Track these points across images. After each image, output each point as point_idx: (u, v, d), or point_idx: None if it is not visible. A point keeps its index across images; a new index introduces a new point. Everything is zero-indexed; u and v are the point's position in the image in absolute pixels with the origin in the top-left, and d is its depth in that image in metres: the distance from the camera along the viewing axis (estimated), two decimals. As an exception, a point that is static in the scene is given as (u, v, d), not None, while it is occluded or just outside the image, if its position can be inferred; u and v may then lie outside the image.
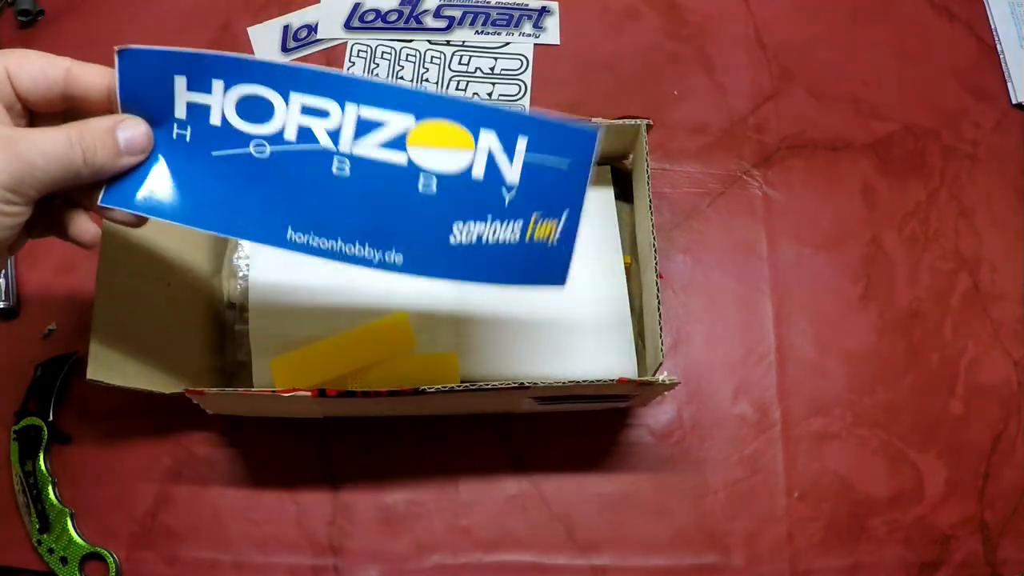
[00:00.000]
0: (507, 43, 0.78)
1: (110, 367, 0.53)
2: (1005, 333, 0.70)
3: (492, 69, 0.77)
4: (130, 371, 0.55)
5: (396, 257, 0.46)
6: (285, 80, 0.44)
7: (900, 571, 0.64)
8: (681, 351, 0.68)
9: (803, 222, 0.72)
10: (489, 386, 0.53)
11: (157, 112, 0.44)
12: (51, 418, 0.64)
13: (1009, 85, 0.77)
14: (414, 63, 0.77)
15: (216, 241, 0.65)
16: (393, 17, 0.78)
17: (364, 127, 0.44)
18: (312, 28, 0.77)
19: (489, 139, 0.45)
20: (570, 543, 0.63)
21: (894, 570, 0.64)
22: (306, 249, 0.45)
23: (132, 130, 0.42)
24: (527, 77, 0.76)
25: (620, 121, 0.60)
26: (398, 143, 0.44)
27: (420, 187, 0.45)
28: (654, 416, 0.66)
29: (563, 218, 0.48)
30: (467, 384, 0.53)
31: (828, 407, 0.67)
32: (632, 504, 0.64)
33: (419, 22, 0.78)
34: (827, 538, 0.64)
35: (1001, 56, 0.78)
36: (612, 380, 0.52)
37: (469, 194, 0.46)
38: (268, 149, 0.44)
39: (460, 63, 0.77)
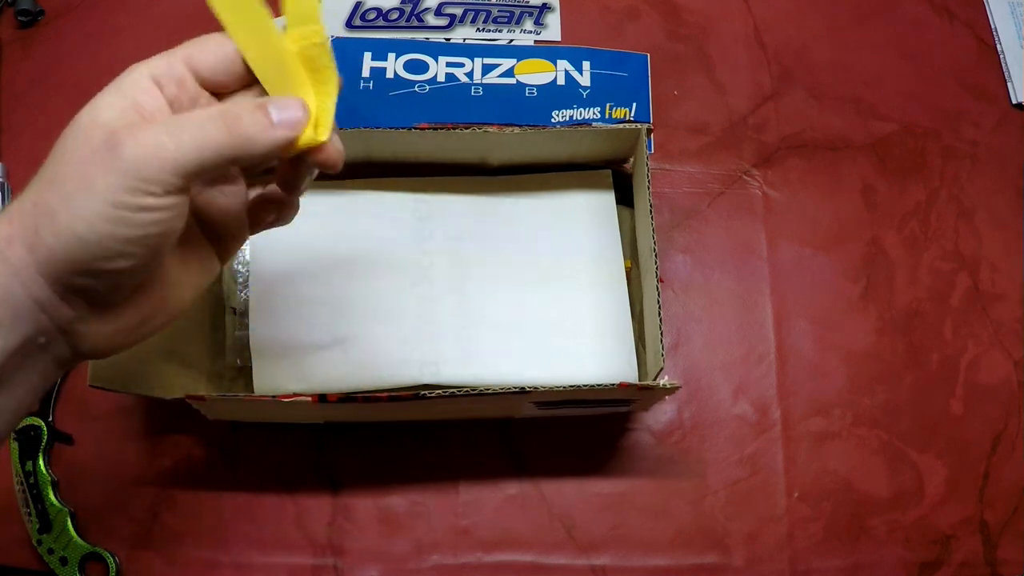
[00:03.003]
0: (509, 40, 0.77)
1: (111, 372, 0.53)
2: (1005, 333, 0.70)
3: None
4: (131, 376, 0.55)
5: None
6: (434, 49, 0.76)
7: (900, 571, 0.64)
8: (681, 351, 0.68)
9: (803, 222, 0.72)
10: (490, 391, 0.53)
11: (351, 74, 0.74)
12: (51, 418, 0.64)
13: (1009, 85, 0.77)
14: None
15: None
16: (395, 15, 0.78)
17: (487, 68, 0.76)
18: (312, 28, 0.77)
19: (564, 64, 0.76)
20: (570, 543, 0.63)
21: (894, 570, 0.64)
22: None
23: (285, 107, 0.39)
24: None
25: (620, 125, 0.60)
26: (508, 74, 0.76)
27: (526, 94, 0.75)
28: (654, 416, 0.66)
29: (633, 107, 0.75)
30: (468, 389, 0.53)
31: (828, 407, 0.67)
32: (632, 504, 0.65)
33: (420, 20, 0.78)
34: (827, 538, 0.64)
35: (1001, 56, 0.78)
36: (613, 385, 0.52)
37: (557, 94, 0.75)
38: (427, 88, 0.75)
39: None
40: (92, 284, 0.37)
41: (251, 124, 0.38)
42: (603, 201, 0.66)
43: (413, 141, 0.61)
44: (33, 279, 0.36)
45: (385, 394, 0.53)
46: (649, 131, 0.60)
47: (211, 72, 0.40)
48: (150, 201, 0.35)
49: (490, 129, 0.58)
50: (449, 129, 0.58)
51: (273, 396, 0.53)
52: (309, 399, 0.52)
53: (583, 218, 0.66)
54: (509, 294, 0.64)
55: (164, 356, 0.58)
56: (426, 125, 0.58)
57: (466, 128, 0.58)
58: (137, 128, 0.36)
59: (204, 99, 0.40)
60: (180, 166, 0.36)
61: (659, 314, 0.55)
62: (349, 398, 0.53)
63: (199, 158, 0.36)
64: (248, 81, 0.41)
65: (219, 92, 0.41)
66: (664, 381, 0.53)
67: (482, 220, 0.65)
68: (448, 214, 0.65)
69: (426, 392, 0.52)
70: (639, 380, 0.62)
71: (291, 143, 0.39)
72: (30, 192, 0.37)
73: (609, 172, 0.67)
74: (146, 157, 0.35)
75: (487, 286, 0.64)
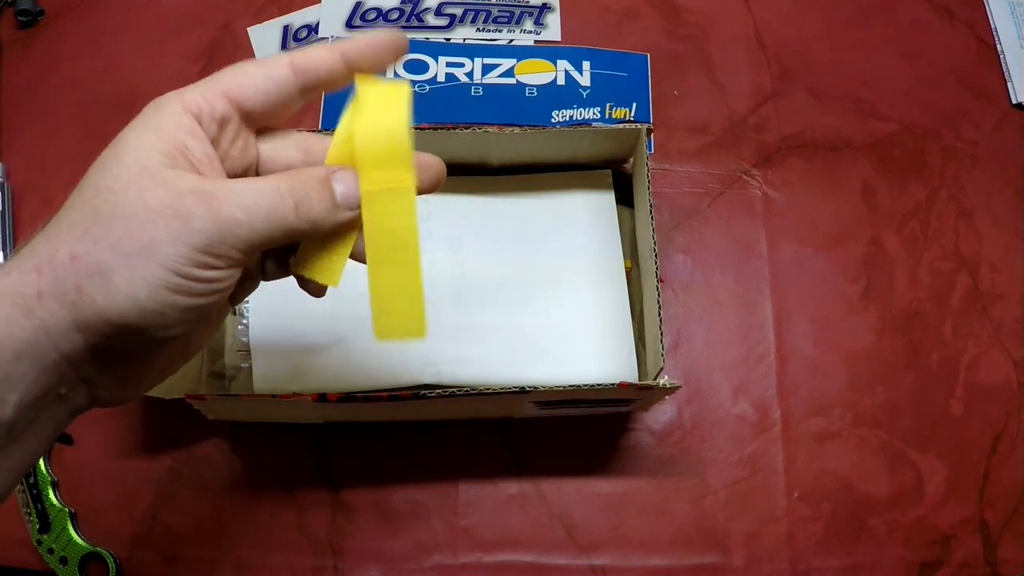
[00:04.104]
0: (509, 40, 0.77)
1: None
2: (1005, 333, 0.70)
3: (493, 68, 0.78)
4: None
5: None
6: (434, 49, 0.77)
7: (900, 571, 0.64)
8: (681, 351, 0.68)
9: (803, 222, 0.72)
10: (490, 391, 0.53)
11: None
12: (52, 419, 0.64)
13: (1009, 85, 0.77)
14: (414, 62, 0.77)
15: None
16: (395, 15, 0.78)
17: (487, 68, 0.76)
18: (313, 28, 0.77)
19: (564, 64, 0.76)
20: (570, 543, 0.63)
21: (894, 570, 0.64)
22: None
23: (347, 183, 0.38)
24: (528, 76, 0.78)
25: (620, 125, 0.60)
26: (508, 74, 0.76)
27: (526, 94, 0.75)
28: (654, 416, 0.66)
29: (633, 107, 0.75)
30: (468, 388, 0.53)
31: (828, 407, 0.67)
32: (632, 504, 0.64)
33: (420, 20, 0.78)
34: (827, 538, 0.64)
35: (1001, 56, 0.78)
36: (613, 384, 0.52)
37: (557, 94, 0.75)
38: (427, 88, 0.75)
39: (460, 62, 0.79)
40: (132, 343, 0.36)
41: (319, 207, 0.37)
42: (603, 201, 0.66)
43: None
44: (66, 335, 0.34)
45: (385, 394, 0.53)
46: (649, 131, 0.60)
47: (259, 106, 0.38)
48: (214, 274, 0.35)
49: (490, 129, 0.58)
50: (449, 129, 0.58)
51: (273, 396, 0.53)
52: (309, 398, 0.52)
53: (583, 218, 0.66)
54: (509, 294, 0.64)
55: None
56: (426, 125, 0.58)
57: (466, 128, 0.58)
58: (208, 197, 0.35)
59: (250, 145, 0.40)
60: (249, 244, 0.36)
61: (659, 314, 0.55)
62: (349, 398, 0.53)
63: (268, 236, 0.36)
64: (297, 108, 0.40)
65: (263, 128, 0.40)
66: (664, 381, 0.53)
67: (482, 220, 0.65)
68: (448, 214, 0.65)
69: (426, 392, 0.52)
70: (639, 380, 0.62)
71: (353, 224, 0.39)
72: (60, 239, 0.35)
73: (609, 172, 0.67)
74: (220, 233, 0.34)
75: (487, 286, 0.64)
